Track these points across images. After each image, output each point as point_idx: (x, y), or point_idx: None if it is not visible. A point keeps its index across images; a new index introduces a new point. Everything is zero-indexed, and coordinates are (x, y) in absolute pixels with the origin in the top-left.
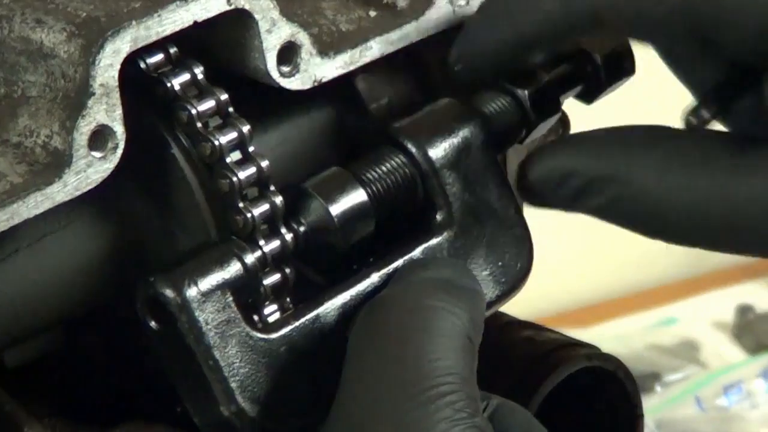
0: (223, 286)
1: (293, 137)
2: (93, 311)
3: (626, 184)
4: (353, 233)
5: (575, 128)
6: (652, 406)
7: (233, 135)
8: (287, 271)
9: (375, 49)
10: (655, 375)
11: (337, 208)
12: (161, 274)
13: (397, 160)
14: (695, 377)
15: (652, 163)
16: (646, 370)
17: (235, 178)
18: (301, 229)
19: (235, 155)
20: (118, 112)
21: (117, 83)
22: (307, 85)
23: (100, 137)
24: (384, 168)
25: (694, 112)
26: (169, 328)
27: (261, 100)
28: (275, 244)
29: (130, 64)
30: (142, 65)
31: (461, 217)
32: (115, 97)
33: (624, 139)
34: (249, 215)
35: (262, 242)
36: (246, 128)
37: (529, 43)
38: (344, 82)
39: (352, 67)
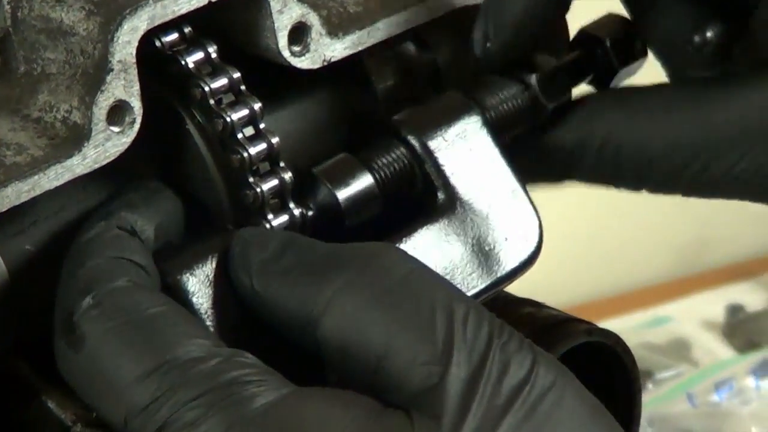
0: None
1: (302, 115)
2: None
3: (606, 141)
4: (359, 216)
5: None
6: (644, 402)
7: (245, 112)
8: None
9: (382, 30)
10: (648, 373)
11: (344, 193)
12: (168, 262)
13: (399, 150)
14: (687, 375)
15: (622, 117)
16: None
17: (246, 154)
18: (310, 213)
19: (247, 131)
20: (136, 87)
21: (134, 60)
22: (317, 65)
23: (118, 112)
24: (388, 157)
25: (700, 31)
26: None
27: (272, 80)
28: (284, 218)
29: (146, 43)
30: (158, 44)
31: (462, 199)
32: (133, 73)
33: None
34: (259, 190)
35: (271, 216)
36: (257, 105)
37: None
38: (353, 63)
39: (360, 48)
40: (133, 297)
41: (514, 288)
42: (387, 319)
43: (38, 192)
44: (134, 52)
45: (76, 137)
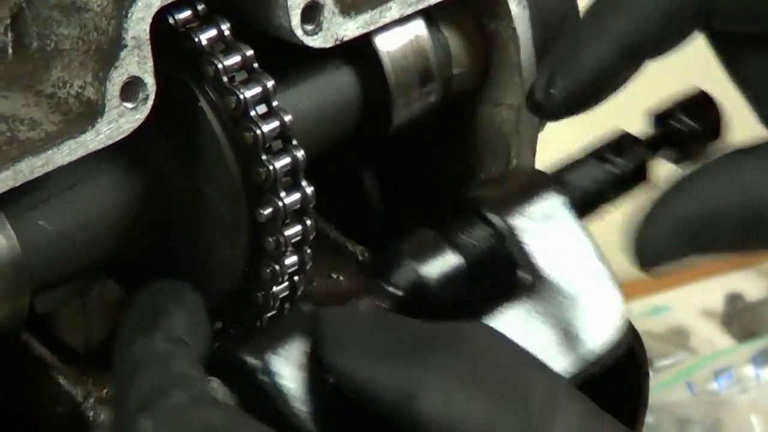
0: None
1: (315, 95)
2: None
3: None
4: (444, 294)
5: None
6: None
7: (258, 89)
8: (308, 223)
9: (394, 9)
10: (647, 361)
11: (429, 271)
12: (245, 344)
13: (481, 228)
14: (686, 363)
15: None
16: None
17: (258, 131)
18: (394, 290)
19: (260, 109)
20: (149, 64)
21: (148, 36)
22: (329, 44)
23: (131, 88)
24: (470, 235)
25: None
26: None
27: (284, 59)
28: (296, 196)
29: (159, 20)
30: (171, 21)
31: (546, 279)
32: (147, 49)
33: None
34: (271, 167)
35: (283, 194)
36: (270, 83)
37: (633, 45)
38: (365, 44)
39: (372, 27)
40: (192, 413)
41: None
42: (485, 399)
43: (51, 167)
44: (148, 29)
45: (90, 113)
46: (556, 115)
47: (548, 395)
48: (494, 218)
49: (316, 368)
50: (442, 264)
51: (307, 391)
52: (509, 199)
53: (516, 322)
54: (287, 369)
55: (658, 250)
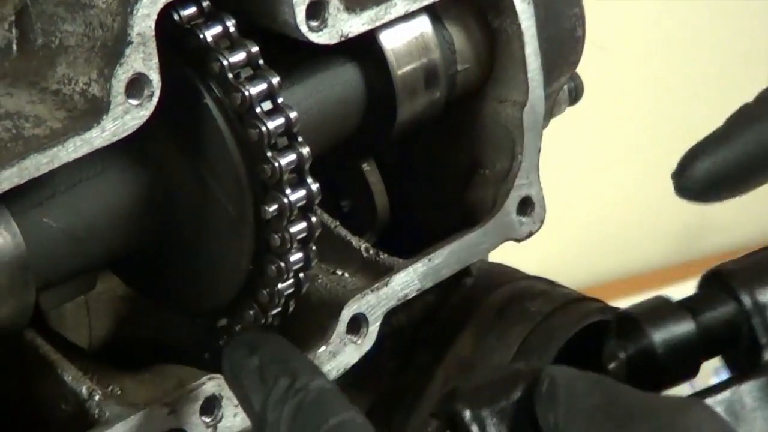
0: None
1: (319, 91)
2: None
3: None
4: (675, 362)
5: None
6: None
7: (263, 86)
8: (313, 220)
9: (399, 6)
10: None
11: (658, 335)
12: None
13: (725, 302)
14: None
15: None
16: None
17: (264, 128)
18: (623, 354)
19: (265, 105)
20: (155, 60)
21: (154, 33)
22: (334, 40)
23: (136, 85)
24: (712, 307)
25: None
26: None
27: (289, 55)
28: (301, 193)
29: (164, 17)
30: (176, 17)
31: None
32: (152, 46)
33: None
34: (277, 164)
35: (288, 191)
36: (275, 80)
37: None
38: (370, 41)
39: (377, 23)
40: None
41: (525, 270)
42: None
43: (57, 164)
44: (153, 25)
45: (95, 110)
46: (693, 192)
47: None
48: (743, 293)
49: (525, 420)
50: (673, 331)
51: None
52: (759, 274)
53: (750, 402)
54: (497, 418)
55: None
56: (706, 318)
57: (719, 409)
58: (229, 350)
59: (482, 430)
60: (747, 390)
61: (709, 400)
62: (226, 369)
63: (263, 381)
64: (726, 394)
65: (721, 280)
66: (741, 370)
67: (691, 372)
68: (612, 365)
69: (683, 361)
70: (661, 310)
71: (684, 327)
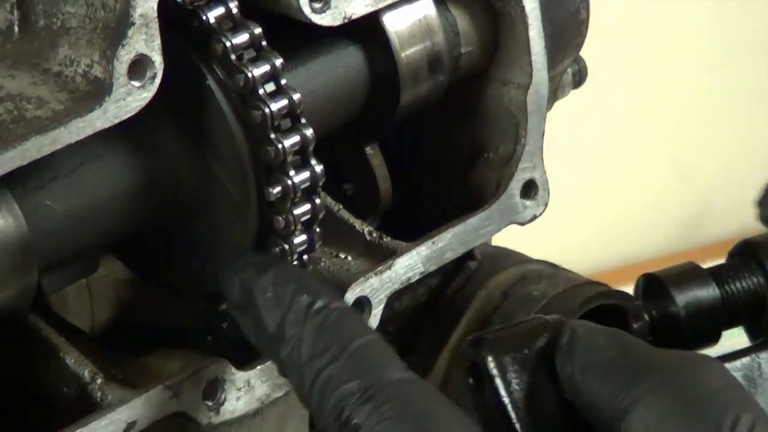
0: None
1: (323, 73)
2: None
3: None
4: (696, 324)
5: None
6: None
7: (266, 67)
8: (317, 202)
9: None
10: None
11: (682, 299)
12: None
13: (754, 272)
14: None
15: None
16: None
17: (267, 110)
18: (647, 315)
19: (268, 87)
20: (157, 42)
21: (156, 14)
22: (337, 22)
23: (139, 67)
24: (740, 276)
25: None
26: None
27: (292, 37)
28: (305, 175)
29: None
30: None
31: None
32: (154, 27)
33: None
34: (280, 146)
35: (292, 173)
36: (279, 61)
37: None
38: (373, 23)
39: (380, 5)
40: (410, 398)
41: (541, 250)
42: (687, 429)
43: (59, 146)
44: (156, 6)
45: (97, 92)
46: None
47: None
48: None
49: (542, 370)
50: (698, 296)
51: (530, 391)
52: None
53: (765, 369)
54: (515, 366)
55: None
56: (732, 287)
57: (737, 375)
58: (235, 270)
59: (503, 375)
60: (766, 358)
61: (727, 365)
62: (233, 290)
63: (278, 299)
64: (745, 360)
65: (749, 251)
66: (762, 340)
67: (713, 338)
68: (636, 325)
69: (705, 326)
70: (689, 274)
71: (709, 293)
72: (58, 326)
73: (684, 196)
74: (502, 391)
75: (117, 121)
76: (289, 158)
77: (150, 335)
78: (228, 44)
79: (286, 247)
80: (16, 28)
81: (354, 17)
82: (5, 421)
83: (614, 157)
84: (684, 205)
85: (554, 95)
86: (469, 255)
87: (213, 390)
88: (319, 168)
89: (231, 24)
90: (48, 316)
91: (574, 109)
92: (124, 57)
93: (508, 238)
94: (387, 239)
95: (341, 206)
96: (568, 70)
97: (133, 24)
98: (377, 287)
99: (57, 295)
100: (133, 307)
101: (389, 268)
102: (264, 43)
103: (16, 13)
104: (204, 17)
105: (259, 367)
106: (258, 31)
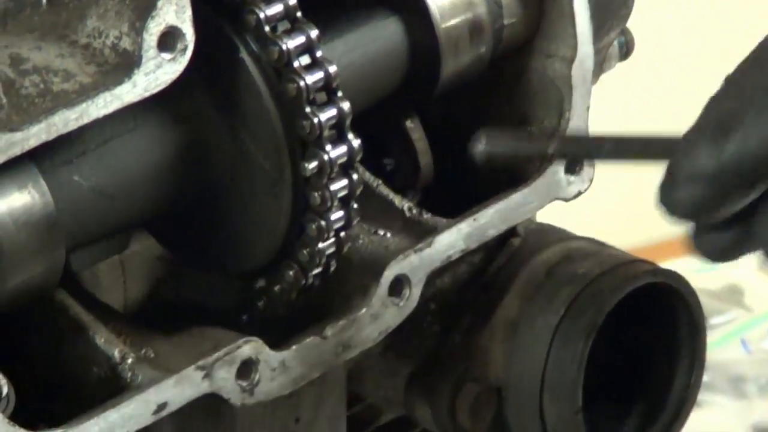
0: None
1: (361, 45)
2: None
3: None
4: None
5: None
6: None
7: (301, 39)
8: (354, 177)
9: None
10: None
11: None
12: None
13: None
14: (741, 320)
15: None
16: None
17: (302, 83)
18: None
19: (303, 60)
20: (188, 13)
21: None
22: None
23: (169, 38)
24: None
25: None
26: None
27: (329, 8)
28: (342, 149)
29: None
30: None
31: None
32: None
33: None
34: (316, 120)
35: (328, 147)
36: (314, 33)
37: None
38: None
39: None
40: None
41: (573, 229)
42: None
43: (86, 120)
44: None
45: (126, 64)
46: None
47: None
48: None
49: None
50: None
51: None
52: None
53: None
54: None
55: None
56: None
57: None
58: None
59: None
60: None
61: None
62: None
63: None
64: None
65: None
66: None
67: None
68: None
69: None
70: None
71: None
72: (88, 304)
73: None
74: None
75: (147, 94)
76: (326, 132)
77: (183, 313)
78: (262, 15)
79: (323, 223)
80: (43, 0)
81: None
82: (34, 402)
83: (660, 131)
84: None
85: (600, 68)
86: (512, 232)
87: (247, 371)
88: (356, 142)
89: None
90: (78, 294)
91: (620, 81)
92: (154, 29)
93: (552, 214)
94: (427, 216)
95: (380, 182)
96: (615, 42)
97: None
98: (417, 265)
99: (89, 272)
100: (167, 284)
101: (429, 245)
102: (299, 14)
103: None
104: None
105: (294, 347)
106: (293, 1)
